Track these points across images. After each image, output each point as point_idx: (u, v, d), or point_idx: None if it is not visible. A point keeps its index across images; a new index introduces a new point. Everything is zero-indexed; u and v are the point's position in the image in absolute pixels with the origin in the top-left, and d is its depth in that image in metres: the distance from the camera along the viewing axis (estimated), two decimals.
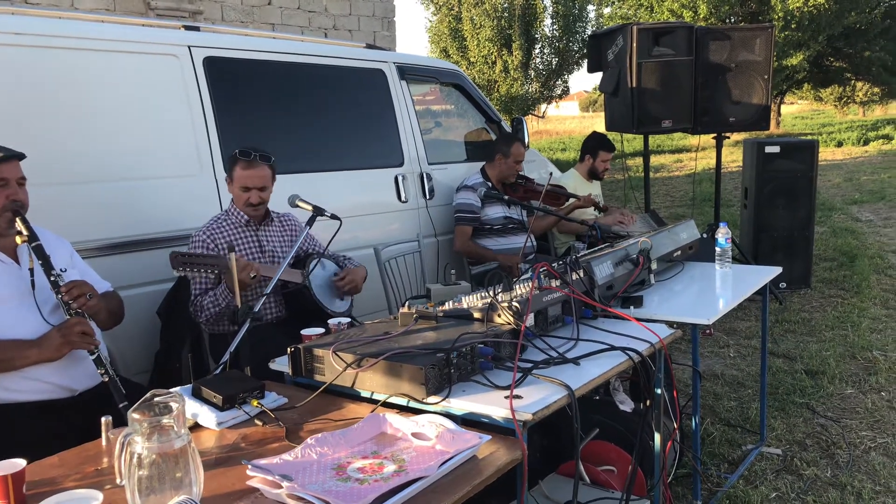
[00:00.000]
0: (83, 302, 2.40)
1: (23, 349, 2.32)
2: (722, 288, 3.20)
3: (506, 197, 4.43)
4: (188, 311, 3.09)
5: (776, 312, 5.69)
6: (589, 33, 19.85)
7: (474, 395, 1.93)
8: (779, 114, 26.06)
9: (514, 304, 2.27)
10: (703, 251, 3.73)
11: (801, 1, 18.98)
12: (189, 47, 3.59)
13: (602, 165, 5.37)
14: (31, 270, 2.41)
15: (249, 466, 1.62)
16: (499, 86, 21.45)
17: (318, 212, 2.98)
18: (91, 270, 2.72)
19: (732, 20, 20.38)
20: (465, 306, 2.43)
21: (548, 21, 22.08)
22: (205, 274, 3.04)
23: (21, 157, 2.47)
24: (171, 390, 1.54)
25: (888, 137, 20.30)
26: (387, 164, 4.50)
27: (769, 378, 4.25)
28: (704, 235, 5.47)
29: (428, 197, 4.69)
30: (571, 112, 60.36)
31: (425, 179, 4.69)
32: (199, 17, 8.85)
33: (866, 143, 19.82)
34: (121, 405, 2.34)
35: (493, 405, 1.86)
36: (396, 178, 4.51)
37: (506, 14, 21.37)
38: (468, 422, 1.86)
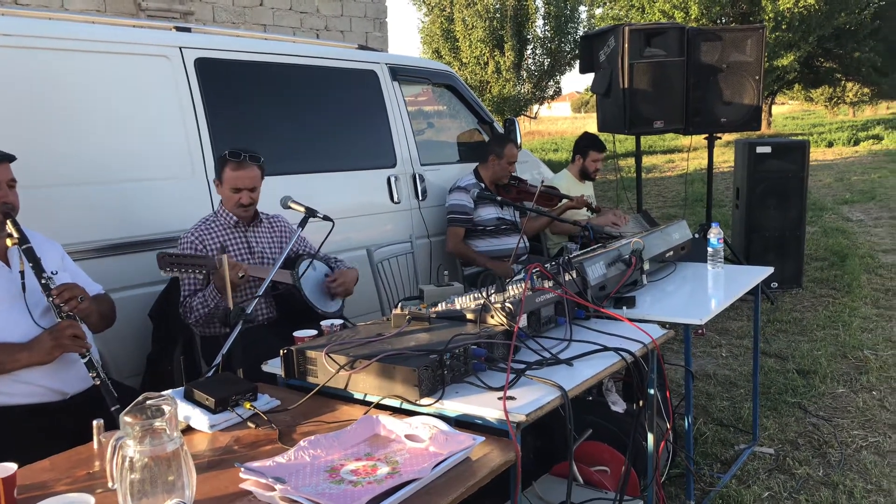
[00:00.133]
0: (74, 305, 2.38)
1: (13, 352, 2.31)
2: (714, 288, 3.21)
3: (499, 198, 4.43)
4: (179, 314, 3.08)
5: (768, 312, 5.72)
6: (581, 34, 19.86)
7: (468, 396, 1.93)
8: (770, 114, 26.16)
9: (507, 305, 2.27)
10: (695, 251, 3.74)
11: (792, 2, 19.07)
12: (180, 48, 3.58)
13: (592, 165, 5.36)
14: (22, 273, 2.40)
15: (242, 469, 1.61)
16: (491, 86, 21.47)
17: (310, 213, 2.97)
18: (82, 273, 2.71)
19: (723, 21, 20.46)
20: (457, 307, 2.43)
21: (540, 22, 22.14)
22: (193, 275, 3.03)
23: (11, 158, 2.46)
24: (163, 393, 1.54)
25: (878, 138, 20.41)
26: (379, 165, 4.50)
27: (761, 378, 4.26)
28: (696, 236, 5.48)
29: (420, 198, 4.69)
30: (563, 113, 60.50)
31: (418, 180, 4.69)
32: (190, 18, 8.82)
33: (856, 143, 19.92)
34: (113, 408, 2.33)
35: (486, 406, 1.86)
36: (389, 179, 4.50)
37: (498, 15, 21.38)
38: (461, 423, 1.86)
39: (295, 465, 1.65)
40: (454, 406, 1.90)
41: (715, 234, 3.46)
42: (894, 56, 22.75)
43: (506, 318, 2.25)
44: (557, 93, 23.77)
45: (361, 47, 4.86)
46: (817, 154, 17.72)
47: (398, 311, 2.46)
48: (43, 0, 7.77)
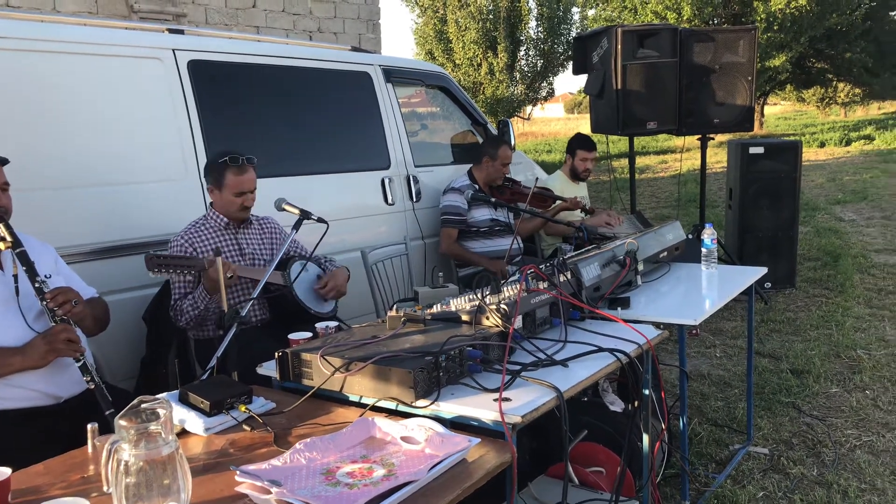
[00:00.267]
0: (68, 308, 2.37)
1: (7, 357, 2.30)
2: (708, 288, 3.22)
3: (492, 199, 4.44)
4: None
5: (762, 312, 5.73)
6: (573, 35, 19.93)
7: (463, 398, 1.93)
8: (762, 115, 26.29)
9: (502, 306, 2.28)
10: (688, 252, 3.75)
11: (784, 3, 19.15)
12: (173, 50, 3.57)
13: (582, 165, 5.32)
14: (15, 277, 2.39)
15: (238, 472, 1.61)
16: (484, 88, 21.49)
17: (304, 215, 2.97)
18: (76, 276, 2.70)
19: (716, 22, 20.53)
20: (453, 309, 2.43)
21: (533, 23, 22.16)
22: (182, 276, 3.04)
23: (4, 161, 2.45)
24: (158, 396, 1.53)
25: (870, 138, 20.51)
26: (373, 166, 4.50)
27: (755, 378, 4.27)
28: (690, 236, 5.51)
29: (415, 199, 4.69)
30: (557, 114, 60.66)
31: (412, 182, 4.69)
32: (182, 20, 8.80)
33: (848, 143, 20.01)
34: (107, 412, 2.32)
35: (482, 408, 1.86)
36: (383, 181, 4.50)
37: (491, 16, 21.41)
38: (457, 425, 1.86)
39: (291, 467, 1.64)
40: (450, 408, 1.90)
41: (709, 235, 3.47)
42: (885, 57, 22.92)
43: (501, 320, 2.26)
44: (550, 94, 23.79)
45: (355, 49, 4.86)
46: (809, 154, 17.80)
47: (393, 312, 2.46)
48: (35, 2, 7.74)
